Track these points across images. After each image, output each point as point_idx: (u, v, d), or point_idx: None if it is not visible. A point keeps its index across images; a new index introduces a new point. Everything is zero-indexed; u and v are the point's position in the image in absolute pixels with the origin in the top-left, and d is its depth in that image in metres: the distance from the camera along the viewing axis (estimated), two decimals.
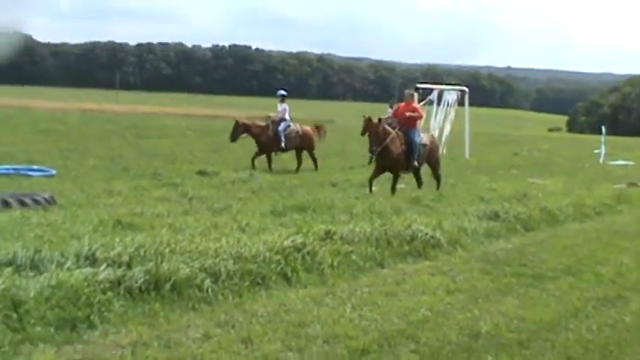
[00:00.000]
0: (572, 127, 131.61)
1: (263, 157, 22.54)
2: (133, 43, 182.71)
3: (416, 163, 16.27)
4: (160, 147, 28.65)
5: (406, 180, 17.25)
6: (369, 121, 15.73)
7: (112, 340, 5.83)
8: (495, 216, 12.54)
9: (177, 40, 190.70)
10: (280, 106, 23.12)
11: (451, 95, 32.84)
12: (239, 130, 22.89)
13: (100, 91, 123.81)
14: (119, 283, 6.60)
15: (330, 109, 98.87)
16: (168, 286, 6.79)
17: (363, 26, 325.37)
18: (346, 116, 79.88)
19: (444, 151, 31.23)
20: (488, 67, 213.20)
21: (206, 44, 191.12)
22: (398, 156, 15.88)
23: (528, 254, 10.30)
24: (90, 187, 15.25)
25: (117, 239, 7.85)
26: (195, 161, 22.92)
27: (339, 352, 5.89)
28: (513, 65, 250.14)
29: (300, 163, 22.72)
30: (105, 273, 6.63)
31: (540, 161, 32.15)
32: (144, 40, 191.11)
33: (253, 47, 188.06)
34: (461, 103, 33.10)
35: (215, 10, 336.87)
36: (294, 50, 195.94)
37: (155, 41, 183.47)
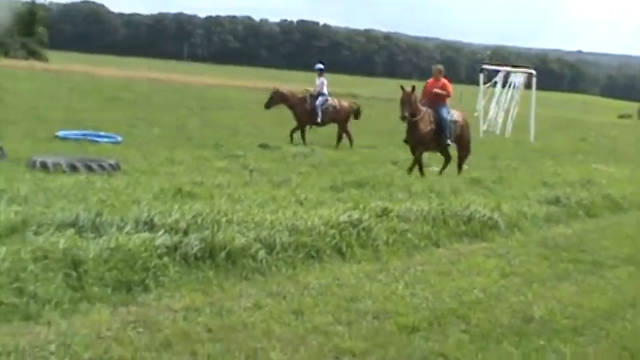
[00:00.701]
0: None
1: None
2: (202, 15, 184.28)
3: (449, 141, 15.68)
4: (223, 119, 28.89)
5: (468, 160, 17.05)
6: (402, 89, 15.02)
7: (166, 305, 5.94)
8: (557, 201, 12.38)
9: (245, 14, 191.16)
10: (318, 80, 22.68)
11: (517, 77, 32.38)
12: (276, 98, 22.58)
13: (169, 61, 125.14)
14: (175, 249, 6.71)
15: (394, 87, 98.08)
16: (223, 254, 6.87)
17: (431, 5, 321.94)
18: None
19: (509, 133, 30.92)
20: (557, 51, 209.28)
21: (274, 19, 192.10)
22: (426, 134, 15.13)
23: (588, 241, 10.17)
24: (153, 155, 15.48)
25: (175, 206, 7.97)
26: (257, 134, 23.04)
27: (388, 328, 5.90)
28: (584, 49, 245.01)
29: (340, 137, 22.28)
30: (162, 239, 6.74)
31: (607, 148, 31.53)
32: (213, 13, 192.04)
33: (321, 23, 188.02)
34: (528, 86, 32.62)
35: None
36: (362, 27, 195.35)
37: (223, 14, 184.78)
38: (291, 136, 21.75)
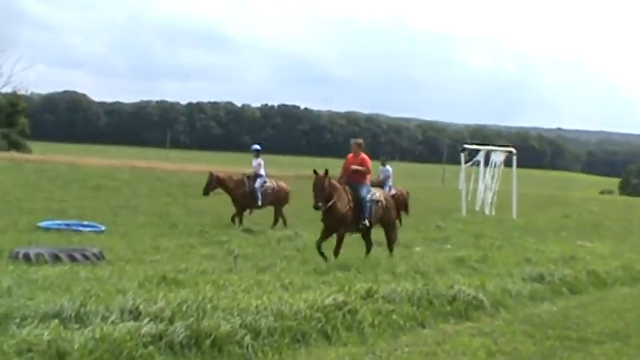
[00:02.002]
0: (624, 189, 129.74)
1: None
2: (183, 102, 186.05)
3: (366, 222, 14.25)
4: (207, 205, 28.92)
5: (451, 240, 17.12)
6: (315, 174, 13.74)
7: None
8: (541, 278, 12.43)
9: (226, 99, 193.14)
10: (255, 161, 22.07)
11: (498, 156, 32.75)
12: (212, 183, 22.01)
13: (151, 149, 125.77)
14: (160, 338, 6.70)
15: (377, 168, 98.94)
16: (208, 342, 6.88)
17: (411, 86, 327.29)
18: (393, 176, 79.81)
19: (493, 212, 31.10)
20: (537, 129, 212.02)
21: (255, 103, 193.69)
22: (345, 214, 13.90)
23: (573, 317, 10.19)
24: (138, 243, 15.48)
25: (160, 294, 7.97)
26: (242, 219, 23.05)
27: None
28: (563, 126, 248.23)
29: (276, 219, 21.81)
30: (147, 327, 6.75)
31: (590, 224, 31.70)
32: (194, 99, 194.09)
33: (302, 107, 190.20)
34: (509, 164, 32.98)
35: (264, 70, 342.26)
36: (343, 110, 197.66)
37: (205, 100, 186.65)
38: (233, 221, 21.22)
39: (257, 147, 22.72)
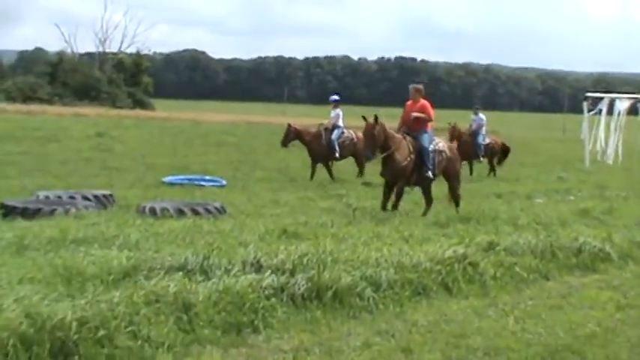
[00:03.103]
0: None
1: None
2: (300, 57, 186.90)
3: (430, 174, 13.39)
4: None
5: (574, 191, 16.62)
6: (365, 120, 13.18)
7: (275, 345, 5.99)
8: None
9: (343, 54, 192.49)
10: (333, 112, 21.31)
11: (622, 103, 31.48)
12: (290, 135, 21.58)
13: (269, 104, 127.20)
14: (282, 290, 6.78)
15: (496, 119, 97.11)
16: (329, 294, 6.91)
17: (530, 36, 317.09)
18: (512, 127, 78.11)
19: (618, 161, 29.99)
20: None
21: (372, 57, 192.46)
22: (405, 166, 13.05)
23: None
24: (258, 197, 15.71)
25: (281, 247, 8.06)
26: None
27: None
28: None
29: (361, 170, 21.08)
30: (269, 280, 6.83)
31: None
32: (310, 54, 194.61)
33: (419, 59, 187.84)
34: (635, 112, 31.67)
35: (380, 23, 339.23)
36: (460, 61, 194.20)
37: (322, 55, 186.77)
38: (312, 175, 20.62)
39: (336, 97, 22.20)
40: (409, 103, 13.90)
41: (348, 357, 5.82)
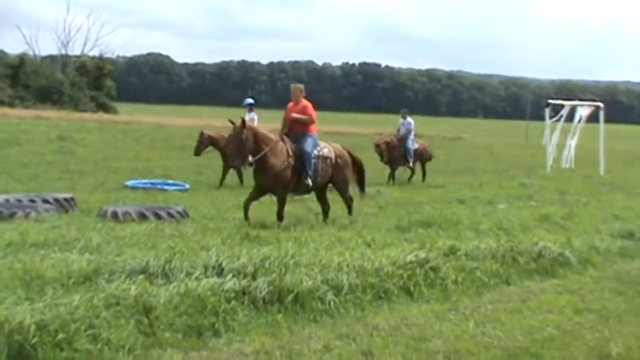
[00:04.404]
0: None
1: None
2: (264, 61, 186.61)
3: (309, 181, 12.36)
4: None
5: (536, 197, 16.80)
6: (232, 124, 12.18)
7: (236, 349, 5.99)
8: (630, 235, 12.09)
9: (307, 59, 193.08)
10: (248, 116, 19.41)
11: (583, 110, 31.95)
12: (204, 142, 20.73)
13: (233, 109, 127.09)
14: (244, 294, 6.79)
15: (459, 125, 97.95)
16: (291, 297, 6.92)
17: (494, 43, 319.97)
18: (476, 133, 78.85)
19: (572, 166, 30.40)
20: (626, 82, 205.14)
21: (336, 62, 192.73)
22: (281, 172, 12.04)
23: None
24: (221, 201, 15.67)
25: (243, 251, 8.07)
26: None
27: None
28: None
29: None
30: (230, 283, 6.84)
31: None
32: (275, 59, 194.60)
33: (383, 65, 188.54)
34: (596, 119, 32.15)
35: (345, 28, 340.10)
36: (424, 67, 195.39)
37: (286, 59, 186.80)
38: (221, 183, 19.79)
39: (250, 101, 21.26)
40: (290, 104, 13.01)
41: None
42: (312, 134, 12.63)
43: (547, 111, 32.20)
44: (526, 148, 49.32)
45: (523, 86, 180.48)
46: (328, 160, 12.73)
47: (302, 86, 13.23)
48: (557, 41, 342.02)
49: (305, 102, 12.92)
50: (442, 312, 7.41)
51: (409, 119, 24.09)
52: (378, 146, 23.55)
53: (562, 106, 32.64)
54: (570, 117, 32.14)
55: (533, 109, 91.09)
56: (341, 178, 13.04)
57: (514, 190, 21.13)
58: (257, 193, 12.54)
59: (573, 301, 8.14)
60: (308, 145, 12.40)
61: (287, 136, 12.50)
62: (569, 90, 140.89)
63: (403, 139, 23.67)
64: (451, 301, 7.86)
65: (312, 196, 16.59)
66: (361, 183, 13.83)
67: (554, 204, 16.90)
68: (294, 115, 12.67)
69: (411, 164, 23.67)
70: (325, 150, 12.75)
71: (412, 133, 23.98)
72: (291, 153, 12.22)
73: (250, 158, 12.03)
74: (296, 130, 12.62)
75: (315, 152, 12.52)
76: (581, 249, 10.51)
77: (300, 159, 12.30)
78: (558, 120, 32.16)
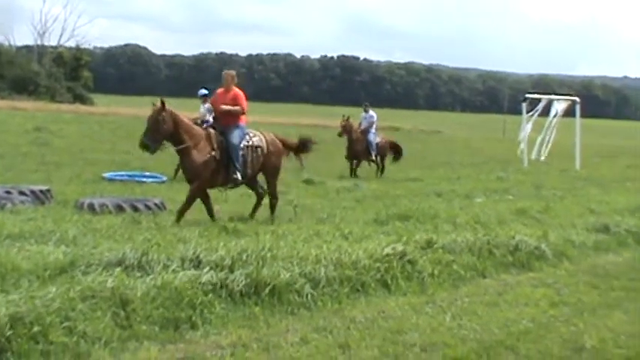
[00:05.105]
0: None
1: None
2: (243, 54, 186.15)
3: (238, 175, 11.74)
4: None
5: (512, 191, 16.89)
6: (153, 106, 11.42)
7: (213, 341, 5.98)
8: (605, 229, 12.17)
9: (286, 51, 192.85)
10: (202, 107, 19.06)
11: (560, 104, 32.15)
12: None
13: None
14: (221, 286, 6.77)
15: (437, 119, 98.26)
16: (268, 290, 6.92)
17: (472, 37, 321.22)
18: (453, 127, 79.16)
19: (544, 158, 30.57)
20: (602, 77, 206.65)
21: (315, 55, 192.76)
22: (202, 165, 11.40)
23: None
24: None
25: (221, 244, 8.05)
26: (301, 170, 23.07)
27: None
28: (630, 75, 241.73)
29: None
30: (207, 275, 6.82)
31: None
32: (253, 52, 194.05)
33: (361, 58, 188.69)
34: (572, 113, 32.37)
35: (323, 22, 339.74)
36: (402, 61, 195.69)
37: (264, 52, 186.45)
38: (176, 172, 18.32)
39: (204, 92, 20.46)
40: (220, 91, 12.28)
41: (285, 353, 5.83)
42: (240, 125, 11.99)
43: (524, 105, 32.40)
44: (503, 142, 49.59)
45: (501, 80, 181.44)
46: (259, 150, 12.15)
47: (234, 72, 12.55)
48: (535, 36, 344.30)
49: (237, 90, 12.23)
50: (419, 305, 7.44)
51: (371, 112, 23.84)
52: (343, 127, 23.22)
53: (539, 100, 32.85)
54: (547, 111, 32.35)
55: (511, 103, 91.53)
56: (271, 167, 12.45)
57: (491, 183, 21.25)
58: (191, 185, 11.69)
59: (549, 294, 8.21)
60: (235, 137, 11.76)
61: (213, 128, 11.88)
62: (546, 84, 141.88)
63: (365, 132, 23.44)
64: (428, 294, 7.89)
65: (290, 189, 16.68)
66: (300, 156, 13.50)
67: (531, 198, 17.00)
68: (224, 107, 11.94)
69: (373, 157, 23.44)
70: (255, 139, 12.15)
71: (374, 127, 23.74)
72: (215, 146, 11.56)
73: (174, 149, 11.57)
74: (224, 122, 11.93)
75: (245, 143, 11.93)
76: (556, 242, 10.58)
77: (227, 152, 11.69)
78: (535, 114, 32.37)
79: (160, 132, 11.13)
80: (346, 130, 23.23)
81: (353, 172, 22.86)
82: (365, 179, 21.25)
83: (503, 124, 70.45)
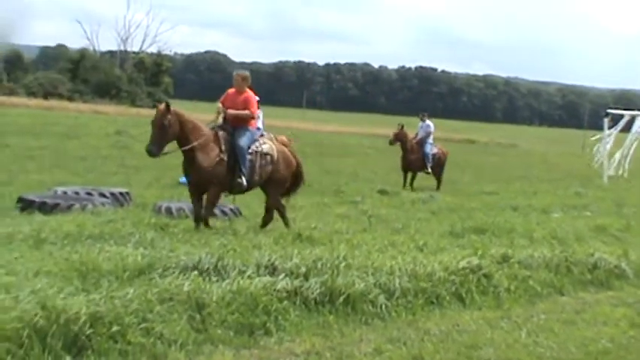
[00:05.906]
0: None
1: None
2: (320, 62, 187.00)
3: (243, 180, 11.01)
4: (342, 165, 29.14)
5: (591, 207, 16.51)
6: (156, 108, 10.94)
7: (287, 348, 6.00)
8: None
9: (364, 61, 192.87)
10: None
11: None
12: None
13: (288, 109, 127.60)
14: (295, 294, 6.79)
15: (514, 132, 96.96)
16: (342, 299, 6.92)
17: (551, 50, 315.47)
18: (531, 141, 77.99)
19: (626, 175, 29.80)
20: None
21: (392, 65, 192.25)
22: (211, 168, 10.73)
23: None
24: None
25: (295, 251, 8.08)
26: (376, 180, 23.09)
27: None
28: None
29: None
30: (283, 283, 6.85)
31: None
32: (331, 60, 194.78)
33: (439, 69, 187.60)
34: None
35: (402, 32, 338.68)
36: (480, 73, 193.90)
37: (342, 61, 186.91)
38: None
39: None
40: (232, 91, 11.50)
41: None
42: (250, 129, 11.32)
43: (606, 120, 31.69)
44: (582, 157, 48.60)
45: (581, 94, 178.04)
46: (268, 157, 11.40)
47: (247, 73, 11.70)
48: (616, 50, 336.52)
49: (249, 93, 11.48)
50: (494, 320, 7.35)
51: (428, 122, 23.19)
52: (395, 135, 22.78)
53: (621, 115, 32.08)
54: (628, 127, 31.57)
55: (591, 118, 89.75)
56: (276, 177, 11.60)
57: (569, 199, 20.82)
58: (193, 192, 11.07)
59: (629, 315, 8.00)
60: (244, 139, 11.08)
61: (222, 129, 11.15)
62: (628, 99, 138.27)
63: (421, 143, 22.83)
64: (503, 309, 7.79)
65: (365, 199, 16.66)
66: (294, 187, 12.32)
67: (611, 215, 16.60)
68: (233, 112, 11.16)
69: (429, 169, 22.71)
70: (265, 146, 11.40)
71: (431, 137, 23.11)
72: (224, 148, 10.91)
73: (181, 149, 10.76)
74: (233, 124, 11.23)
75: (253, 148, 11.24)
76: (637, 261, 10.29)
77: (234, 155, 11.01)
78: (616, 129, 31.63)
79: (165, 137, 10.49)
80: (398, 138, 22.68)
81: (407, 184, 22.10)
82: (441, 192, 21.09)
83: (582, 139, 69.12)
